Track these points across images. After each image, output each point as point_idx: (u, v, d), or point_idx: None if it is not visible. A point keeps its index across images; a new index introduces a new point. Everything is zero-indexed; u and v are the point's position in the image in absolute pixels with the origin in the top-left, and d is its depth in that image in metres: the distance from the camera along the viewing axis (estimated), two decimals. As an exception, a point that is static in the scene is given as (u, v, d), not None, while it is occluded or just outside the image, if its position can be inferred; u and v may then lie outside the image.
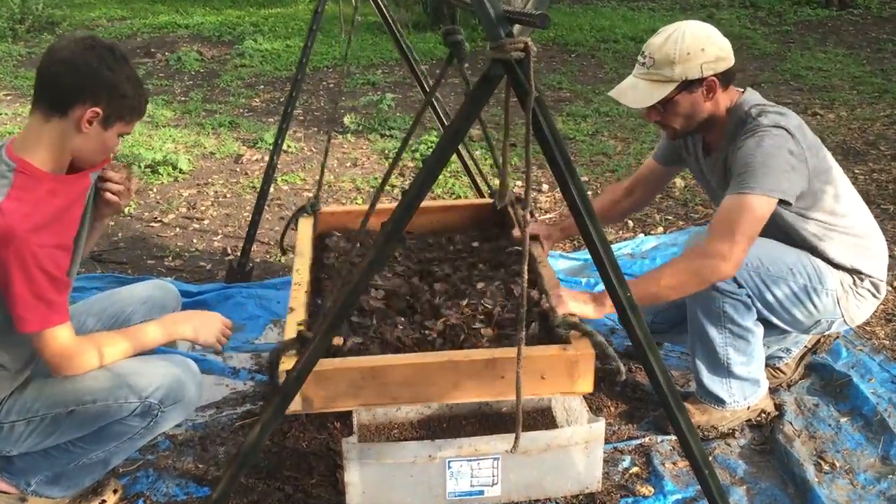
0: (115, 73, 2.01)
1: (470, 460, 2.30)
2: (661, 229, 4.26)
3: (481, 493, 2.33)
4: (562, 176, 1.46)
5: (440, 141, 1.53)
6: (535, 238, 2.77)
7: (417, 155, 5.43)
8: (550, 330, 2.23)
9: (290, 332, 2.18)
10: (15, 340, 2.04)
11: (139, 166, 5.23)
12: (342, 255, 2.84)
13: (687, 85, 2.40)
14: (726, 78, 2.44)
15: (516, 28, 1.42)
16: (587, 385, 2.12)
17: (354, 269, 1.76)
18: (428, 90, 3.69)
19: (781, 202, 2.33)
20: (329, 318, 1.74)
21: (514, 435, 2.30)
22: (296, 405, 2.05)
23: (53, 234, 1.98)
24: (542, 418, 2.68)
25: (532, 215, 3.17)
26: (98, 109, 2.00)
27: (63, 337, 2.03)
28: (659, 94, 2.41)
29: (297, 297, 2.43)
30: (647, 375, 1.85)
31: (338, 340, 2.22)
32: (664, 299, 2.41)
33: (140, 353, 2.22)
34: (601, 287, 3.57)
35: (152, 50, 8.61)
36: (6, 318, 1.98)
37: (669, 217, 4.39)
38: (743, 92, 2.51)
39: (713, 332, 2.50)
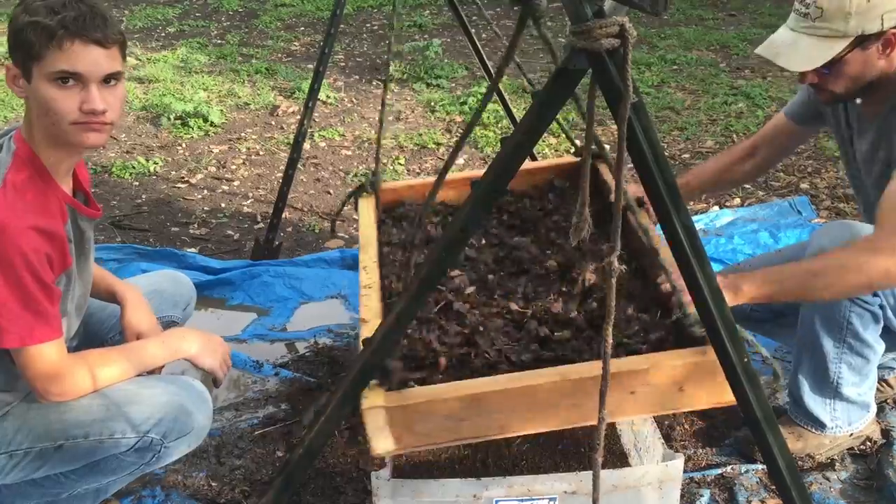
0: (18, 19, 1.67)
1: (522, 500, 1.95)
2: (737, 201, 3.80)
3: (534, 536, 1.99)
4: (664, 208, 1.04)
5: (499, 155, 1.11)
6: (640, 202, 2.17)
7: (466, 108, 5.01)
8: (681, 327, 1.76)
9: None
10: None
11: (168, 118, 4.88)
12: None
13: (862, 40, 1.96)
14: None
15: (608, 4, 0.99)
16: None
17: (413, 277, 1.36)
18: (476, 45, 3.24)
19: None
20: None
21: (576, 473, 1.98)
22: (385, 444, 1.65)
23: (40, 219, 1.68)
24: (607, 441, 2.30)
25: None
26: (10, 64, 1.71)
27: (51, 355, 1.70)
28: (828, 54, 1.96)
29: (369, 304, 1.91)
30: (747, 425, 1.45)
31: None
32: (815, 300, 2.00)
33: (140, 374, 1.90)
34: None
35: (191, -13, 8.21)
36: None
37: (747, 186, 3.90)
38: None
39: (828, 344, 2.09)
